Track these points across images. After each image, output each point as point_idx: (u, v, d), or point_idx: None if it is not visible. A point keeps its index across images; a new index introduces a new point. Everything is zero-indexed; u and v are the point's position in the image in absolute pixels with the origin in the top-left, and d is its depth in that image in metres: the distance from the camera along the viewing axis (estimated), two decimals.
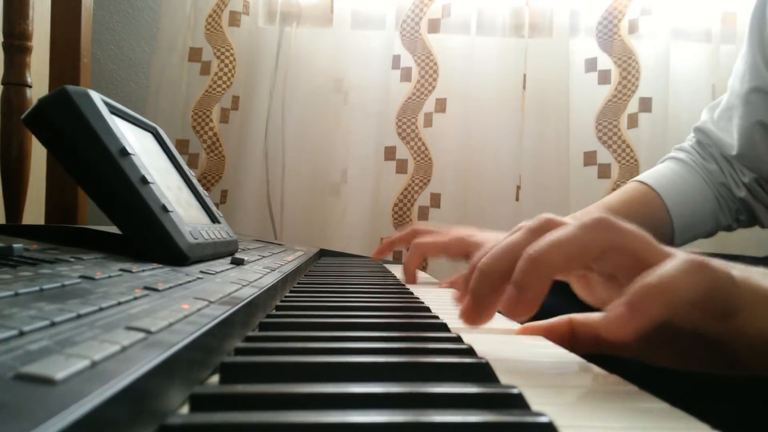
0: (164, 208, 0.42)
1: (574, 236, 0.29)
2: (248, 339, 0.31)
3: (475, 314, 0.32)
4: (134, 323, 0.21)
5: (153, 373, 0.17)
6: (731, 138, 0.80)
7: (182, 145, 1.30)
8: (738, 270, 0.30)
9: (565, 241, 0.29)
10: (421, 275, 0.85)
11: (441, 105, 1.33)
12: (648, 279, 0.26)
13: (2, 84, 0.83)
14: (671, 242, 0.82)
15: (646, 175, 0.84)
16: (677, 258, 0.28)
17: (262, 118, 1.32)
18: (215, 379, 0.24)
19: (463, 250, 0.76)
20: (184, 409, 0.20)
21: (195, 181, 0.60)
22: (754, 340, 0.29)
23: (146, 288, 0.29)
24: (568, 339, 0.38)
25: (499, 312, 0.32)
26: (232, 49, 1.31)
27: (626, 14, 1.31)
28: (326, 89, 1.33)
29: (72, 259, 0.35)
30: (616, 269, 0.30)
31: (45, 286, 0.25)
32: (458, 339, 0.32)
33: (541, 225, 0.31)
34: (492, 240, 0.74)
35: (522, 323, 0.38)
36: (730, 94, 0.83)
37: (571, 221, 0.31)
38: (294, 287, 0.56)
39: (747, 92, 0.78)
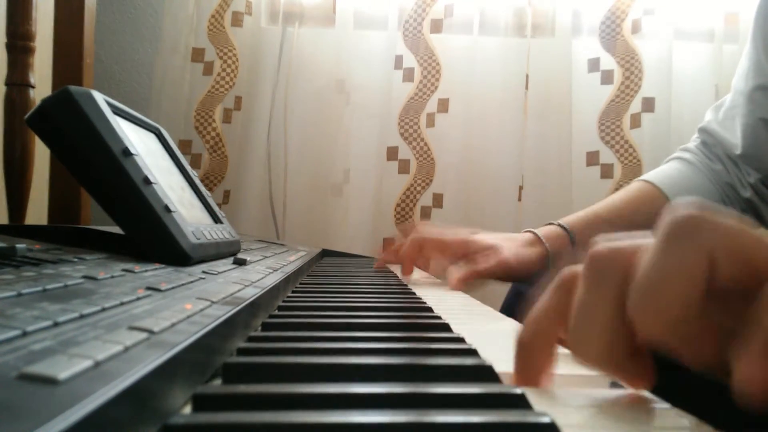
0: (167, 209, 0.42)
1: (666, 263, 0.21)
2: (251, 339, 0.31)
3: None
4: (137, 323, 0.21)
5: (156, 373, 0.17)
6: (735, 137, 0.80)
7: (185, 145, 1.30)
8: None
9: (661, 274, 0.21)
10: (422, 275, 0.85)
11: (443, 105, 1.33)
12: None
13: (5, 84, 0.83)
14: None
15: (651, 175, 0.84)
16: None
17: (265, 118, 1.32)
18: (218, 379, 0.24)
19: (462, 248, 0.76)
20: (187, 409, 0.20)
21: (197, 181, 0.60)
22: None
23: (149, 288, 0.29)
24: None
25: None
26: (234, 49, 1.31)
27: (629, 14, 1.31)
28: (329, 89, 1.33)
29: (75, 260, 0.35)
30: (728, 285, 0.21)
31: (48, 287, 0.25)
32: (461, 340, 0.32)
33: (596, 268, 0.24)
34: (500, 247, 0.72)
35: None
36: (734, 93, 0.82)
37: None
38: (296, 287, 0.56)
39: (751, 90, 0.78)
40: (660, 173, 0.84)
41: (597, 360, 0.24)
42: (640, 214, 0.79)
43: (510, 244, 0.75)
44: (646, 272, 0.21)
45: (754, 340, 0.19)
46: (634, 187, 0.84)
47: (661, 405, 0.23)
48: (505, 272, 0.73)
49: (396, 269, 0.86)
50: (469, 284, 0.71)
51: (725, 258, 0.20)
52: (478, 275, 0.72)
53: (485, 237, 0.77)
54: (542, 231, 0.79)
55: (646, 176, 0.84)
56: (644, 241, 0.23)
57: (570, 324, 0.24)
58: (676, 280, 0.20)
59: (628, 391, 0.25)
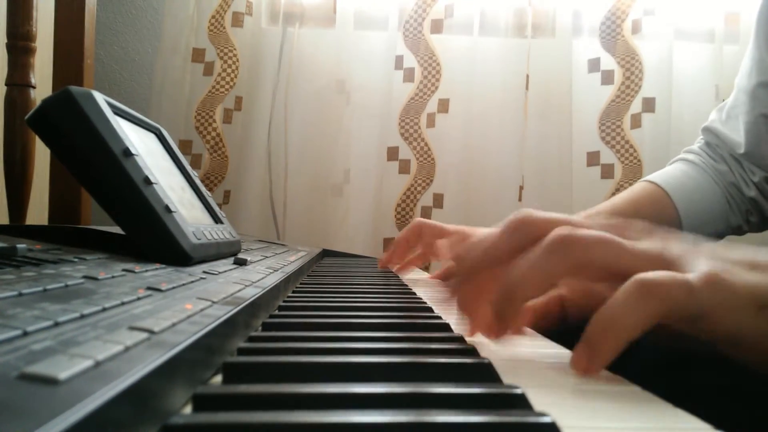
0: (167, 209, 0.42)
1: (537, 264, 0.30)
2: (251, 339, 0.31)
3: (496, 331, 0.33)
4: (137, 323, 0.21)
5: (156, 373, 0.17)
6: (739, 135, 0.80)
7: (185, 145, 1.30)
8: (721, 260, 0.29)
9: (529, 271, 0.30)
10: (423, 276, 0.85)
11: (444, 105, 1.33)
12: (598, 315, 0.27)
13: (6, 85, 0.83)
14: None
15: (655, 176, 0.84)
16: (631, 282, 0.27)
17: (265, 118, 1.32)
18: (218, 379, 0.24)
19: (459, 240, 0.77)
20: (187, 409, 0.20)
21: (198, 181, 0.60)
22: (725, 340, 0.29)
23: (149, 288, 0.29)
24: (562, 318, 0.40)
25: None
26: (235, 49, 1.31)
27: (629, 14, 1.31)
28: (329, 90, 1.33)
29: (75, 260, 0.35)
30: (594, 281, 0.32)
31: (48, 287, 0.25)
32: (461, 339, 0.32)
33: (516, 227, 0.33)
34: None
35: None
36: (737, 91, 0.82)
37: (546, 217, 0.32)
38: (297, 287, 0.56)
39: (754, 87, 0.78)
40: (664, 174, 0.84)
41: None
42: (642, 215, 0.79)
43: None
44: (525, 261, 0.30)
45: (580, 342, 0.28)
46: (637, 187, 0.84)
47: (661, 405, 0.23)
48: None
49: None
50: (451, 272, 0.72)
51: (579, 268, 0.30)
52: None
53: (483, 232, 0.78)
54: None
55: (650, 177, 0.84)
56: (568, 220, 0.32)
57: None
58: (536, 273, 0.30)
59: (629, 391, 0.25)
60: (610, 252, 0.29)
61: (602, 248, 0.29)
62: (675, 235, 0.32)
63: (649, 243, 0.31)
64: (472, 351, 0.29)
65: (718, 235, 0.84)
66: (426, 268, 1.26)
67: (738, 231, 0.84)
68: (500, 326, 0.32)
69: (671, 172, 0.85)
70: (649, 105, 1.30)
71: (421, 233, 0.79)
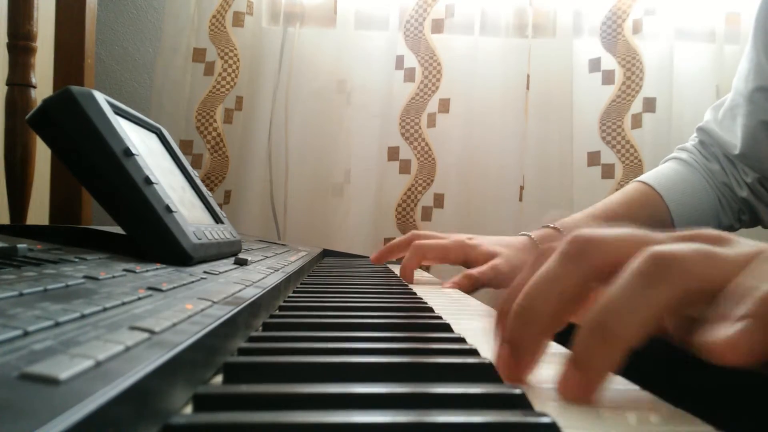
0: (168, 209, 0.42)
1: (636, 300, 0.23)
2: (252, 339, 0.31)
3: (513, 366, 0.26)
4: (138, 323, 0.21)
5: (157, 373, 0.17)
6: (734, 137, 0.80)
7: (186, 145, 1.30)
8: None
9: (628, 310, 0.23)
10: (423, 275, 0.85)
11: (444, 105, 1.33)
12: (588, 320, 0.23)
13: (7, 85, 0.83)
14: None
15: (648, 176, 0.84)
16: (628, 270, 0.24)
17: (266, 118, 1.32)
18: (219, 379, 0.24)
19: (462, 254, 0.77)
20: (188, 409, 0.20)
21: (199, 181, 0.60)
22: None
23: (150, 288, 0.29)
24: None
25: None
26: (235, 49, 1.31)
27: (630, 14, 1.31)
28: (329, 90, 1.33)
29: (76, 260, 0.35)
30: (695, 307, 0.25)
31: (49, 286, 0.25)
32: (461, 339, 0.32)
33: (578, 253, 0.26)
34: (495, 254, 0.73)
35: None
36: (734, 94, 0.82)
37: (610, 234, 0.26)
38: (297, 287, 0.56)
39: (751, 91, 0.78)
40: (656, 174, 0.85)
41: (531, 318, 0.26)
42: (635, 216, 0.80)
43: (506, 251, 0.76)
44: (622, 292, 0.23)
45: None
46: (630, 188, 0.84)
47: (661, 405, 0.23)
48: (498, 278, 0.74)
49: (396, 269, 0.86)
50: (461, 287, 0.72)
51: (694, 294, 0.23)
52: (472, 282, 0.73)
53: (483, 243, 0.78)
54: (538, 235, 0.79)
55: (642, 177, 0.85)
56: (626, 235, 0.26)
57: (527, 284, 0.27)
58: (645, 314, 0.23)
59: (629, 391, 0.25)
60: (716, 268, 0.23)
61: (706, 265, 0.23)
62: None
63: (739, 249, 0.25)
64: (472, 351, 0.29)
65: None
66: (427, 268, 1.26)
67: (729, 230, 0.84)
68: (588, 384, 0.23)
69: (663, 171, 0.85)
70: (649, 105, 1.30)
71: (424, 257, 0.78)
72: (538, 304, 0.26)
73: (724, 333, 0.21)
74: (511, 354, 0.26)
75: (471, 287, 0.73)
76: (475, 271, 0.73)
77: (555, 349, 0.34)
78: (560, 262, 0.26)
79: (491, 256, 0.76)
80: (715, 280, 0.23)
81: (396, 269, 0.86)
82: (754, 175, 0.79)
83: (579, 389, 0.23)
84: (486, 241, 0.78)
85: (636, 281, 0.23)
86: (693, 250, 0.24)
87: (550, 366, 0.27)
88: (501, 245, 0.78)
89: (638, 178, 0.85)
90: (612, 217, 0.80)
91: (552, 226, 0.80)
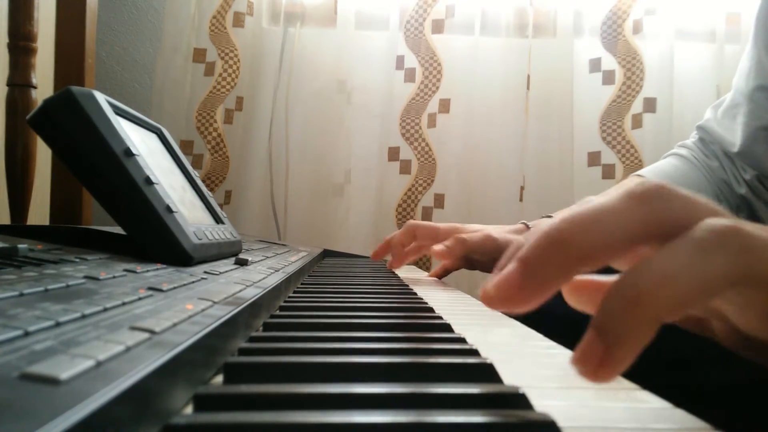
0: (168, 209, 0.42)
1: (689, 266, 0.20)
2: (252, 339, 0.31)
3: (516, 291, 0.21)
4: (138, 323, 0.21)
5: (157, 373, 0.17)
6: (734, 136, 0.80)
7: (186, 145, 1.30)
8: None
9: (675, 276, 0.19)
10: (424, 276, 0.85)
11: (445, 105, 1.33)
12: (621, 283, 0.20)
13: (7, 85, 0.83)
14: None
15: (647, 171, 0.85)
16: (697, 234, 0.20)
17: (266, 118, 1.32)
18: (219, 379, 0.24)
19: (453, 234, 0.79)
20: (188, 409, 0.20)
21: (199, 181, 0.60)
22: None
23: (150, 288, 0.29)
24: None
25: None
26: (236, 49, 1.31)
27: (630, 14, 1.31)
28: (330, 90, 1.33)
29: (76, 260, 0.35)
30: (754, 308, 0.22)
31: (50, 287, 0.25)
32: (462, 340, 0.32)
33: (648, 198, 0.22)
34: (488, 230, 0.73)
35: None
36: (734, 92, 0.82)
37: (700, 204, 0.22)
38: (298, 287, 0.56)
39: (752, 90, 0.78)
40: (655, 169, 0.85)
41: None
42: None
43: (498, 229, 0.78)
44: (674, 257, 0.20)
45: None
46: (628, 182, 0.84)
47: (661, 404, 0.23)
48: (488, 245, 0.74)
49: (399, 270, 0.86)
50: (453, 252, 0.72)
51: (751, 282, 0.20)
52: (463, 246, 0.73)
53: (475, 227, 0.79)
54: (534, 223, 0.81)
55: (641, 171, 0.85)
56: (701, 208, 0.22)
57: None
58: (692, 287, 0.20)
59: (629, 390, 0.25)
60: None
61: None
62: None
63: None
64: (473, 351, 0.29)
65: None
66: (427, 269, 1.26)
67: None
68: (613, 357, 0.19)
69: (662, 167, 0.85)
70: (650, 105, 1.30)
71: (415, 236, 0.81)
72: (579, 231, 0.21)
73: None
74: (523, 275, 0.21)
75: (462, 251, 0.74)
76: (466, 235, 0.74)
77: (559, 350, 0.34)
78: (622, 199, 0.21)
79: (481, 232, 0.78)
80: None
81: (397, 269, 0.86)
82: (752, 172, 0.79)
83: (602, 363, 0.19)
84: (479, 228, 0.80)
85: (693, 249, 0.20)
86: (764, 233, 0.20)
87: (550, 367, 0.27)
88: (494, 228, 0.80)
89: (636, 173, 0.86)
90: None
91: (551, 216, 0.81)
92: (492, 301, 0.21)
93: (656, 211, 0.21)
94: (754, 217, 0.82)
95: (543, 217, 0.82)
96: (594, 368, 0.19)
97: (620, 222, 0.21)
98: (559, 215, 0.22)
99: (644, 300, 0.19)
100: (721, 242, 0.20)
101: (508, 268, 0.21)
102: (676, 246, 0.20)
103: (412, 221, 0.82)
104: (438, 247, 0.73)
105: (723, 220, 0.20)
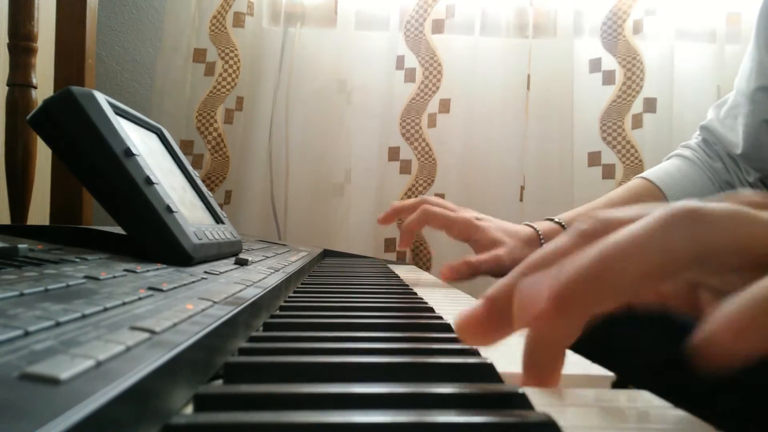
0: (168, 209, 0.42)
1: (647, 241, 0.20)
2: (252, 339, 0.31)
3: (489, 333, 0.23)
4: (139, 323, 0.21)
5: (157, 373, 0.17)
6: (737, 137, 0.80)
7: (187, 145, 1.30)
8: None
9: (637, 249, 0.20)
10: (424, 276, 0.85)
11: (445, 105, 1.33)
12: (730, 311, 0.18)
13: (7, 85, 0.83)
14: None
15: (651, 173, 0.84)
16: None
17: (266, 118, 1.32)
18: (219, 379, 0.24)
19: (466, 232, 0.77)
20: (189, 409, 0.20)
21: (199, 181, 0.60)
22: None
23: (150, 288, 0.29)
24: None
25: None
26: (236, 49, 1.31)
27: (631, 14, 1.31)
28: (330, 90, 1.33)
29: (77, 260, 0.35)
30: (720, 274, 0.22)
31: (50, 287, 0.25)
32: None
33: (597, 228, 0.23)
34: (500, 243, 0.72)
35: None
36: (736, 93, 0.82)
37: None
38: (298, 287, 0.56)
39: (753, 91, 0.78)
40: (659, 171, 0.85)
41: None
42: None
43: (510, 242, 0.76)
44: (631, 231, 0.20)
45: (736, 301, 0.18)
46: (633, 184, 0.84)
47: (661, 404, 0.23)
48: (498, 269, 0.74)
49: (396, 269, 0.86)
50: (460, 273, 0.72)
51: (719, 251, 0.20)
52: (471, 268, 0.73)
53: (489, 227, 0.77)
54: (543, 228, 0.79)
55: (645, 174, 0.85)
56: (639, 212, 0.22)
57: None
58: (655, 255, 0.20)
59: (629, 390, 0.25)
60: (745, 230, 0.20)
61: (735, 225, 0.20)
62: None
63: None
64: (473, 351, 0.29)
65: None
66: (427, 268, 1.26)
67: None
68: (558, 327, 0.20)
69: (666, 168, 0.85)
70: (650, 105, 1.30)
71: (428, 222, 0.77)
72: (618, 262, 0.20)
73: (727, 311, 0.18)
74: (554, 312, 0.20)
75: (469, 275, 0.73)
76: (475, 258, 0.74)
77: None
78: (661, 226, 0.20)
79: (495, 243, 0.75)
80: (747, 246, 0.20)
81: (397, 269, 0.86)
82: (756, 174, 0.79)
83: (546, 330, 0.20)
84: (493, 226, 0.78)
85: (654, 225, 0.20)
86: (731, 209, 0.21)
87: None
88: (506, 233, 0.77)
89: (641, 175, 0.86)
90: None
91: (555, 220, 0.80)
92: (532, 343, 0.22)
93: (707, 245, 0.20)
94: None
95: (545, 219, 0.81)
96: (539, 333, 0.20)
97: (668, 255, 0.20)
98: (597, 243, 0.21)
99: (604, 275, 0.20)
100: (682, 219, 0.20)
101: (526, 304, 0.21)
102: (636, 224, 0.20)
103: (425, 204, 0.77)
104: (446, 271, 0.73)
105: (687, 204, 0.21)
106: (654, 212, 0.21)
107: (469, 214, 0.79)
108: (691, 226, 0.20)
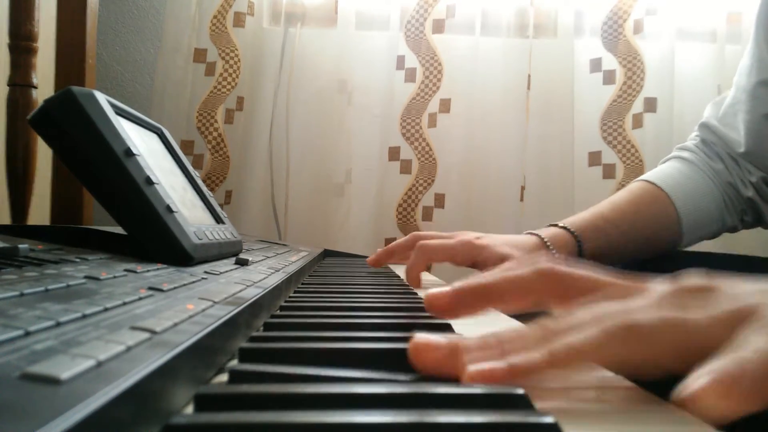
0: (169, 209, 0.42)
1: (592, 347, 0.24)
2: (253, 339, 0.31)
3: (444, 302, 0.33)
4: (139, 323, 0.21)
5: (158, 373, 0.17)
6: (738, 135, 0.80)
7: (187, 145, 1.30)
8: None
9: (580, 350, 0.24)
10: (425, 276, 0.85)
11: (445, 105, 1.33)
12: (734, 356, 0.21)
13: (8, 85, 0.83)
14: (679, 242, 0.81)
15: (652, 175, 0.83)
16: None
17: (267, 118, 1.32)
18: (220, 379, 0.24)
19: (470, 256, 0.72)
20: (189, 409, 0.20)
21: (200, 181, 0.60)
22: None
23: (151, 288, 0.29)
24: None
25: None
26: (236, 49, 1.31)
27: (631, 14, 1.31)
28: (330, 90, 1.33)
29: (77, 260, 0.35)
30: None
31: (50, 287, 0.25)
32: None
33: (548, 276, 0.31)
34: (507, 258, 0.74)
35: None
36: (735, 90, 0.82)
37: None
38: (298, 287, 0.56)
39: (754, 86, 0.78)
40: (661, 173, 0.83)
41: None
42: (642, 215, 0.79)
43: (517, 254, 0.70)
44: (585, 333, 0.25)
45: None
46: (635, 187, 0.83)
47: (661, 405, 0.23)
48: None
49: (396, 269, 0.86)
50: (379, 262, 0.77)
51: (655, 363, 0.24)
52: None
53: (494, 244, 0.73)
54: (549, 236, 0.75)
55: (647, 176, 0.83)
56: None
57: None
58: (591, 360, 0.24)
59: (629, 390, 0.25)
60: (679, 337, 0.24)
61: (670, 334, 0.24)
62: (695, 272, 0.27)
63: (715, 311, 0.24)
64: None
65: (713, 235, 0.83)
66: (428, 269, 1.26)
67: (732, 230, 0.83)
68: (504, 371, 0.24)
69: (667, 171, 0.84)
70: (650, 105, 1.30)
71: (431, 259, 0.74)
72: (494, 285, 0.31)
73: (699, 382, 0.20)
74: (454, 295, 0.32)
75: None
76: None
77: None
78: (532, 272, 0.31)
79: (502, 258, 0.70)
80: (684, 353, 0.23)
81: (397, 269, 0.86)
82: (759, 174, 0.79)
83: (496, 375, 0.24)
84: (495, 242, 0.73)
85: (600, 335, 0.24)
86: (663, 321, 0.24)
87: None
88: (511, 246, 0.73)
89: (642, 177, 0.84)
90: (620, 217, 0.78)
91: (560, 225, 0.77)
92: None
93: (558, 291, 0.31)
94: (760, 219, 0.82)
95: (549, 225, 0.78)
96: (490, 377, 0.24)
97: (525, 285, 0.31)
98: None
99: (488, 288, 0.32)
100: (627, 334, 0.24)
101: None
102: (588, 324, 0.25)
103: (420, 241, 0.73)
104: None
105: (630, 317, 0.24)
106: (600, 323, 0.24)
107: (466, 236, 0.74)
108: (627, 339, 0.23)
